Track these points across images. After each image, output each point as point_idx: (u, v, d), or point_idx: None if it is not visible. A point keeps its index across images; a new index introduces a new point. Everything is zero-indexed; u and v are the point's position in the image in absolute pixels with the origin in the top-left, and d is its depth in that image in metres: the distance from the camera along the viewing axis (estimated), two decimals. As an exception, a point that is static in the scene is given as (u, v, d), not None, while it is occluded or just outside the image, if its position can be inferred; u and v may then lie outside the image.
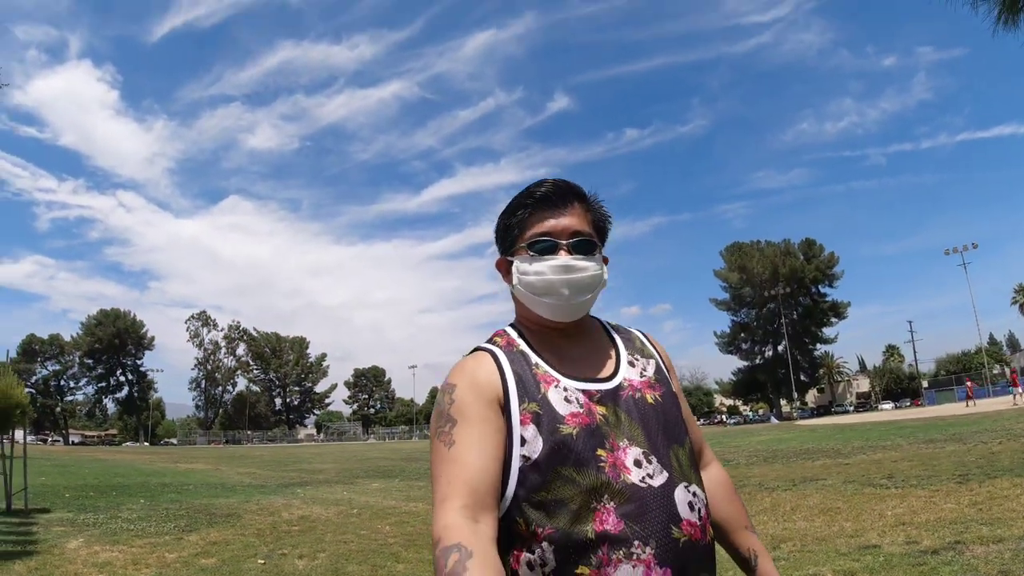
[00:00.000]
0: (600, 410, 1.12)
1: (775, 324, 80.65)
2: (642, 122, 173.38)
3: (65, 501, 11.49)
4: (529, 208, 1.22)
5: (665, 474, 1.09)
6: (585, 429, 1.08)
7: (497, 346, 1.21)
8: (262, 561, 6.39)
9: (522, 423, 1.08)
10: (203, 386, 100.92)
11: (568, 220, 1.21)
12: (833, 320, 79.96)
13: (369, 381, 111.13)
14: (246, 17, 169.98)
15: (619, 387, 1.17)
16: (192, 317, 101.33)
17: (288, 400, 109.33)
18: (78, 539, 7.74)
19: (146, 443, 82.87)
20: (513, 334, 1.24)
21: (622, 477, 1.06)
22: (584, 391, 1.14)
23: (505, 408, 1.10)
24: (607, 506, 1.03)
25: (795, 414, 72.98)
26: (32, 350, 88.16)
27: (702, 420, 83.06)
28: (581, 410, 1.11)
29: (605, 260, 1.27)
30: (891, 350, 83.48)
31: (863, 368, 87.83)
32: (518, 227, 1.23)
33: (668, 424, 1.17)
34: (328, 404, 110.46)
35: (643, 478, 1.07)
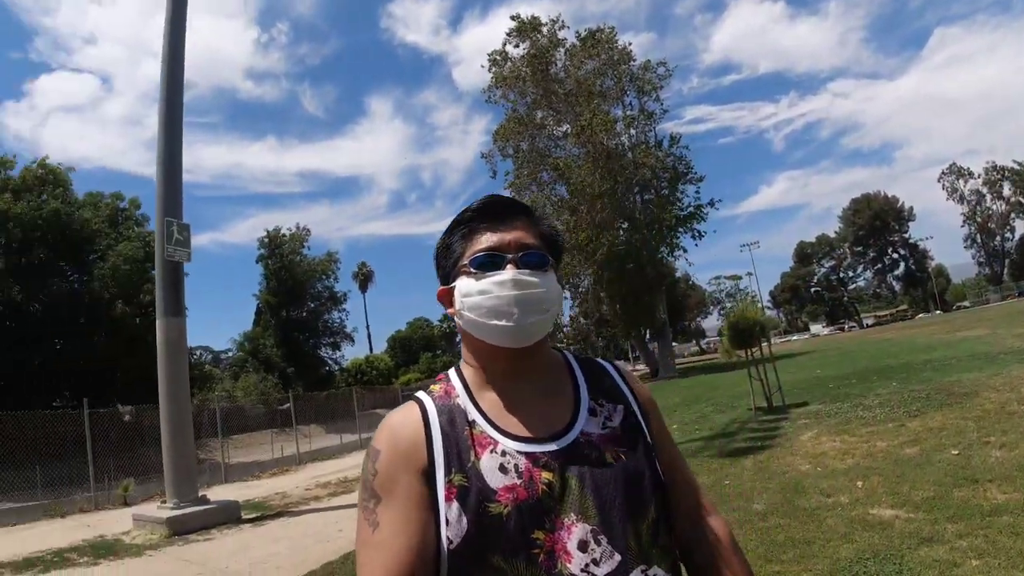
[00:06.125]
0: (545, 477, 0.97)
1: None
2: None
3: (825, 391, 12.80)
4: (470, 223, 1.11)
5: (617, 558, 0.94)
6: (521, 506, 0.94)
7: (432, 396, 1.08)
8: (956, 452, 5.86)
9: (446, 499, 0.96)
10: (978, 240, 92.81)
11: (515, 234, 1.08)
12: None
13: None
14: None
15: (572, 445, 1.01)
16: (943, 173, 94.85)
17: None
18: (813, 431, 8.66)
19: (937, 311, 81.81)
20: (454, 379, 1.11)
21: (559, 566, 0.92)
22: (527, 454, 0.99)
23: (431, 478, 0.98)
24: None
25: None
26: (805, 255, 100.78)
27: None
28: (519, 481, 0.96)
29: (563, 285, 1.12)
30: None
31: None
32: (460, 245, 1.11)
33: (630, 491, 0.99)
34: None
35: (586, 565, 0.92)
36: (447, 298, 1.12)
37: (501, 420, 1.03)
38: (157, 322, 9.78)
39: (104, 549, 7.80)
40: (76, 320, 28.11)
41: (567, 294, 37.75)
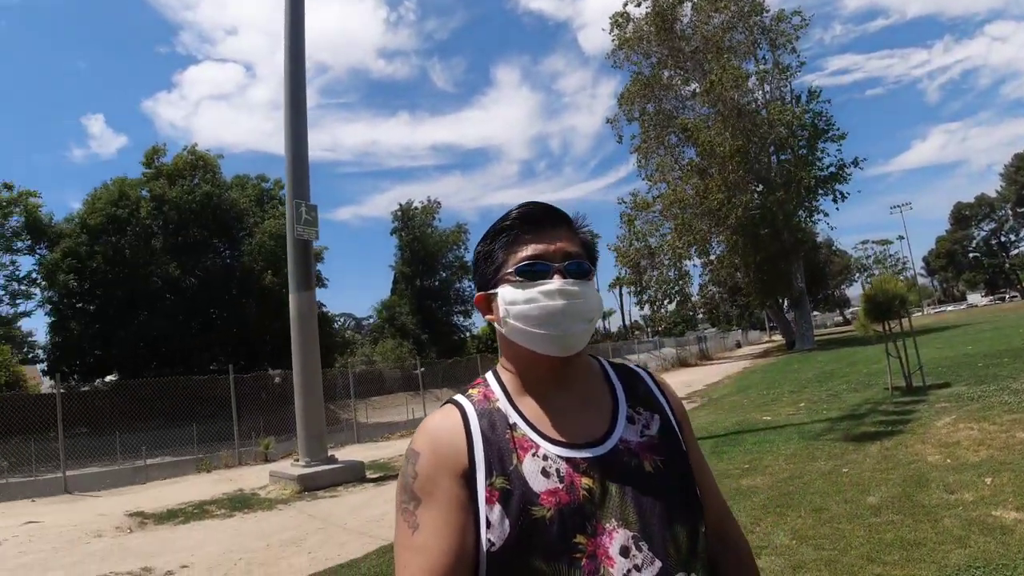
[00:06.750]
0: (585, 483, 0.97)
1: None
2: None
3: (972, 372, 11.70)
4: (514, 231, 1.09)
5: (658, 564, 0.94)
6: (563, 510, 0.95)
7: (471, 400, 1.08)
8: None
9: (487, 502, 0.96)
10: None
11: (559, 243, 1.07)
12: None
13: None
14: None
15: (612, 452, 1.02)
16: None
17: None
18: (951, 416, 7.98)
19: None
20: (493, 383, 1.11)
21: (602, 571, 0.92)
22: (567, 459, 0.99)
23: (471, 481, 0.98)
24: None
25: None
26: (963, 216, 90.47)
27: None
28: (560, 485, 0.97)
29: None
30: None
31: None
32: (502, 252, 1.09)
33: (669, 499, 1.00)
34: None
35: (628, 571, 0.93)
36: (485, 304, 1.13)
37: (541, 425, 1.04)
38: (290, 296, 10.55)
39: (240, 502, 8.64)
40: (229, 291, 30.96)
41: (696, 261, 36.58)
